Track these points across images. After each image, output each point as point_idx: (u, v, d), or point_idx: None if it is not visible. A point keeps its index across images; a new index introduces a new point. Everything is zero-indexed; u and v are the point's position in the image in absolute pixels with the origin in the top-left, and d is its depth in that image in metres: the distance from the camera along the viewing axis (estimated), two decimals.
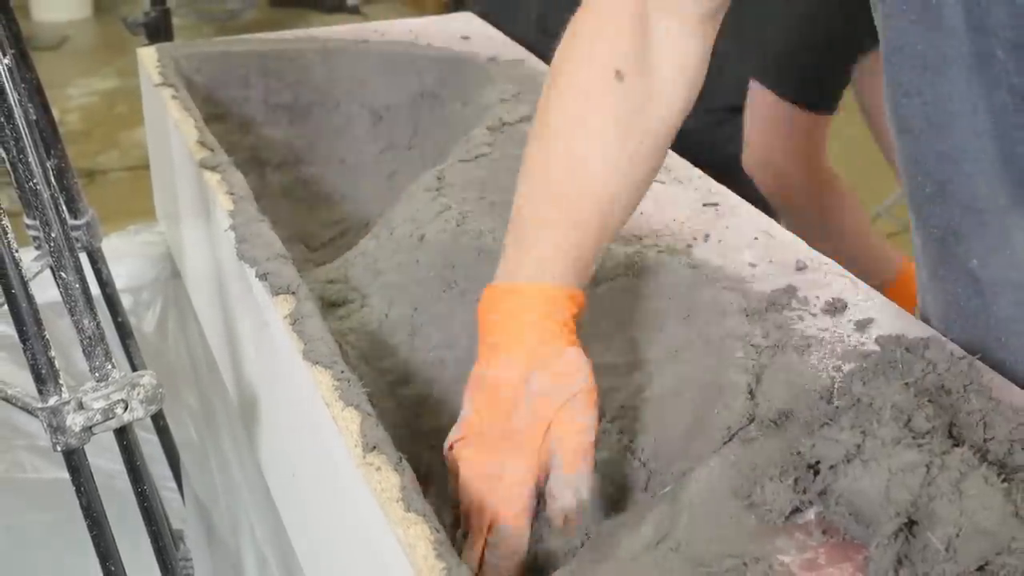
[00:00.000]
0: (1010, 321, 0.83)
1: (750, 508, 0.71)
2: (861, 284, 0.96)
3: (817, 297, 0.94)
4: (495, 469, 0.80)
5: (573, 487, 0.79)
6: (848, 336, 0.88)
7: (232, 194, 1.12)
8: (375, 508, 0.73)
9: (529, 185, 0.87)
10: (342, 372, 0.85)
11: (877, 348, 0.85)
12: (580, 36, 0.88)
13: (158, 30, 1.81)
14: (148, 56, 1.52)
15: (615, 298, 0.97)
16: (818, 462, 0.72)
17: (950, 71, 0.77)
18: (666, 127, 0.87)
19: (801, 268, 0.98)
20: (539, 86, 1.40)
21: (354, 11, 5.14)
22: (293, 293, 0.95)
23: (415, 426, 0.96)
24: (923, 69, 0.79)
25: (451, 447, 0.82)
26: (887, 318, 0.91)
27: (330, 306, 1.04)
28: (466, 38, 1.59)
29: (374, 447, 0.76)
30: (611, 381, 0.92)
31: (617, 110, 0.85)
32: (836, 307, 0.92)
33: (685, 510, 0.71)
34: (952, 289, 0.86)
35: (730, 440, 0.77)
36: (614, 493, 0.87)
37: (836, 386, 0.81)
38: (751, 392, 0.80)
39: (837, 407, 0.76)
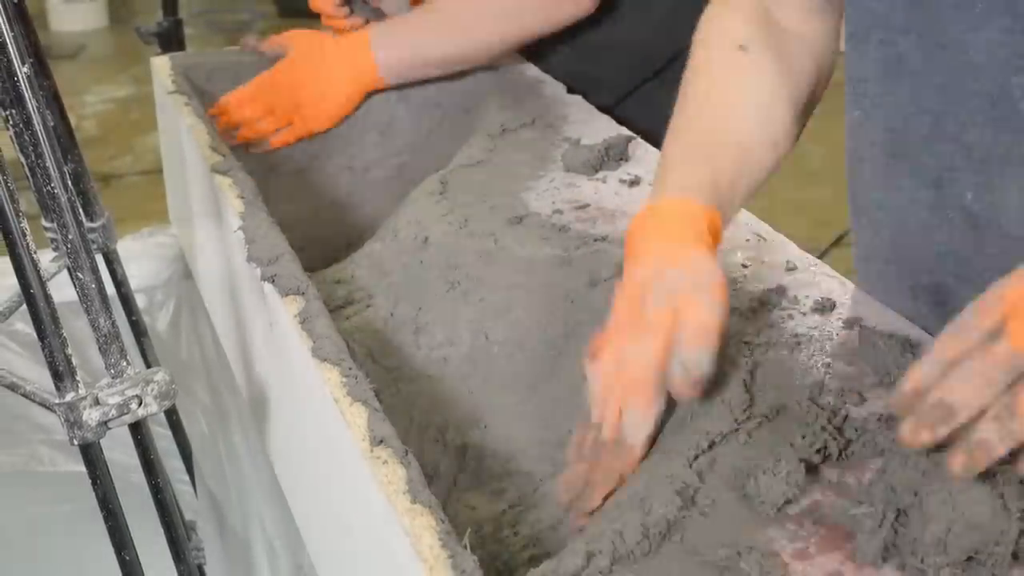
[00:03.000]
0: (999, 269, 0.82)
1: (743, 499, 0.71)
2: (849, 284, 0.96)
3: (807, 296, 0.94)
4: (623, 355, 0.79)
5: (693, 361, 0.76)
6: (836, 334, 0.88)
7: (243, 197, 1.12)
8: (382, 500, 0.73)
9: (673, 136, 0.91)
10: (350, 369, 0.85)
11: (865, 345, 0.85)
12: (709, 24, 0.96)
13: (171, 40, 1.82)
14: (161, 65, 1.52)
15: (612, 298, 0.96)
16: (812, 455, 0.72)
17: (940, 5, 0.78)
18: (794, 98, 0.93)
19: (791, 269, 0.98)
20: (538, 94, 1.41)
21: None
22: (302, 293, 0.95)
23: (420, 421, 0.96)
24: (914, 5, 0.80)
25: (591, 355, 0.81)
26: (874, 316, 0.91)
27: (337, 306, 1.04)
28: None
29: (381, 441, 0.76)
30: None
31: (749, 77, 0.92)
32: (825, 306, 0.92)
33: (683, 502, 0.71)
34: (948, 236, 0.84)
35: (725, 435, 0.76)
36: None
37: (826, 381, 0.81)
38: (746, 387, 0.80)
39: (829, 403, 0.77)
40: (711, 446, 0.75)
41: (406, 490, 0.72)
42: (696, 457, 0.74)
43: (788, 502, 0.70)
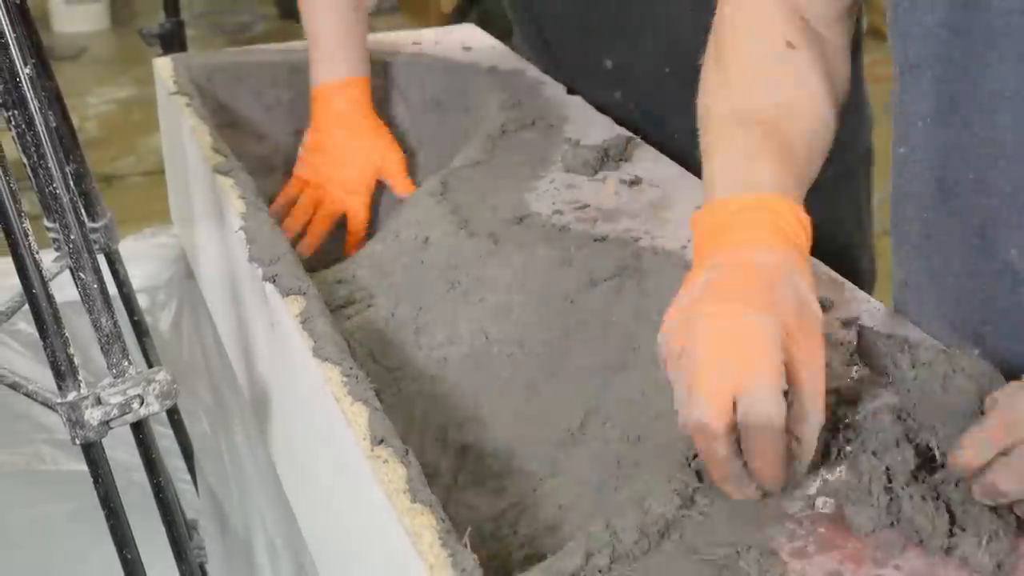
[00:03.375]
0: None
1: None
2: (846, 283, 0.96)
3: None
4: (743, 328, 0.68)
5: (805, 421, 0.68)
6: (835, 333, 0.88)
7: (244, 198, 1.12)
8: (383, 499, 0.73)
9: (722, 133, 0.85)
10: (350, 368, 0.85)
11: (864, 344, 0.85)
12: (739, 25, 0.90)
13: (172, 41, 1.81)
14: (163, 66, 1.52)
15: (612, 298, 0.96)
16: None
17: (997, 55, 0.75)
18: (838, 92, 0.90)
19: None
20: (538, 95, 1.41)
21: None
22: (303, 293, 0.95)
23: (420, 421, 0.96)
24: (972, 54, 0.77)
25: (671, 319, 0.71)
26: (871, 317, 0.91)
27: (338, 306, 1.04)
28: (468, 49, 1.58)
29: (381, 440, 0.76)
30: (608, 380, 0.92)
31: (800, 68, 0.88)
32: (823, 306, 0.92)
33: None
34: (991, 285, 0.82)
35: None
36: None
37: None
38: None
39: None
40: None
41: (406, 489, 0.72)
42: (695, 456, 0.73)
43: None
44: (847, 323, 0.89)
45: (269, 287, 0.99)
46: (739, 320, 0.69)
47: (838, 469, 0.74)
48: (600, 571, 0.66)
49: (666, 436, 0.79)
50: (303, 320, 0.92)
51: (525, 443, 0.93)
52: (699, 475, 0.73)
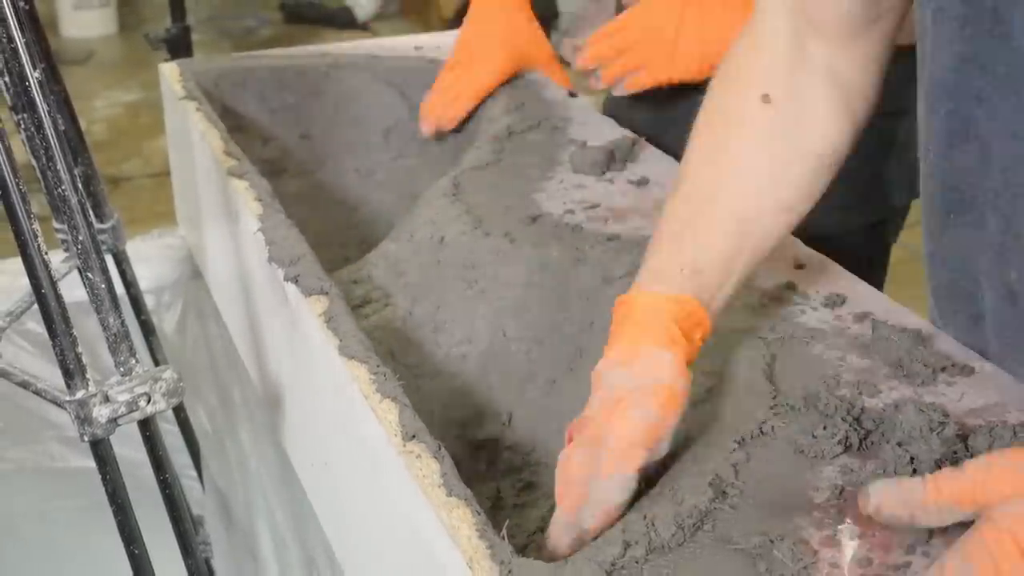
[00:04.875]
0: None
1: (772, 489, 0.71)
2: (856, 280, 0.96)
3: (817, 291, 0.94)
4: (572, 454, 0.72)
5: (604, 490, 0.70)
6: (848, 328, 0.88)
7: (260, 200, 1.12)
8: (417, 494, 0.72)
9: (670, 199, 0.84)
10: (377, 366, 0.83)
11: (878, 338, 0.85)
12: (735, 56, 0.85)
13: (179, 46, 1.81)
14: (170, 71, 1.51)
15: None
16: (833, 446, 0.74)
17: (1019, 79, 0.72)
18: (817, 151, 0.83)
19: (800, 266, 0.98)
20: (540, 97, 1.41)
21: (364, 28, 5.13)
22: (325, 293, 0.94)
23: (441, 418, 0.95)
24: (986, 73, 0.74)
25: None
26: (883, 310, 0.91)
27: (355, 306, 1.03)
28: None
29: (413, 436, 0.75)
30: None
31: (762, 134, 0.82)
32: (835, 301, 0.92)
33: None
34: (994, 299, 0.80)
35: (752, 430, 0.77)
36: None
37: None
38: (770, 380, 0.80)
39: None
40: (741, 441, 0.75)
41: (441, 483, 0.71)
42: (732, 451, 0.74)
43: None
44: (859, 317, 0.90)
45: (290, 287, 0.98)
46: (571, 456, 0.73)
47: (863, 459, 0.74)
48: (637, 561, 0.66)
49: (692, 427, 0.79)
50: (327, 319, 0.91)
51: (545, 439, 0.92)
52: (735, 468, 0.73)
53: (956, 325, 0.86)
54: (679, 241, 0.81)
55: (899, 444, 0.73)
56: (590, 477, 0.70)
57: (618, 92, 1.31)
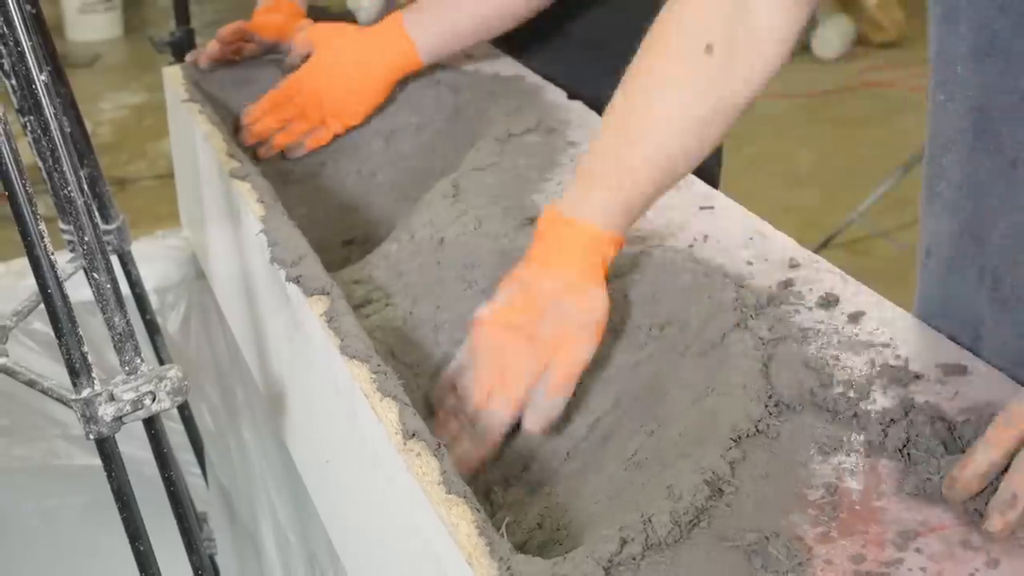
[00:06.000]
0: None
1: (767, 487, 0.72)
2: (850, 279, 0.96)
3: (811, 291, 0.94)
4: (508, 358, 0.87)
5: (549, 407, 0.86)
6: (842, 328, 0.89)
7: (262, 201, 1.12)
8: (417, 491, 0.72)
9: (605, 131, 0.91)
10: (378, 365, 0.84)
11: (869, 338, 0.86)
12: (683, 3, 0.90)
13: (183, 49, 1.81)
14: (173, 74, 1.51)
15: (625, 295, 0.97)
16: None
17: None
18: (744, 97, 0.90)
19: (795, 265, 0.98)
20: (538, 101, 1.41)
21: None
22: (327, 293, 0.94)
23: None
24: None
25: (477, 320, 0.89)
26: (876, 311, 0.91)
27: (355, 306, 1.03)
28: (470, 56, 1.59)
29: (413, 434, 0.76)
30: (628, 373, 0.92)
31: (700, 80, 0.88)
32: (829, 301, 0.92)
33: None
34: (1016, 218, 0.79)
35: (746, 432, 0.77)
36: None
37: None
38: (766, 380, 0.80)
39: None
40: (738, 439, 0.75)
41: (441, 481, 0.71)
42: (728, 449, 0.74)
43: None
44: (852, 317, 0.90)
45: (292, 288, 0.98)
46: (502, 355, 0.89)
47: (857, 458, 0.74)
48: (634, 558, 0.66)
49: (689, 425, 0.80)
50: (328, 319, 0.91)
51: (547, 436, 0.92)
52: (732, 466, 0.74)
53: (951, 282, 0.87)
54: (616, 176, 0.89)
55: (894, 443, 0.73)
56: (529, 384, 0.86)
57: (299, 152, 1.41)
